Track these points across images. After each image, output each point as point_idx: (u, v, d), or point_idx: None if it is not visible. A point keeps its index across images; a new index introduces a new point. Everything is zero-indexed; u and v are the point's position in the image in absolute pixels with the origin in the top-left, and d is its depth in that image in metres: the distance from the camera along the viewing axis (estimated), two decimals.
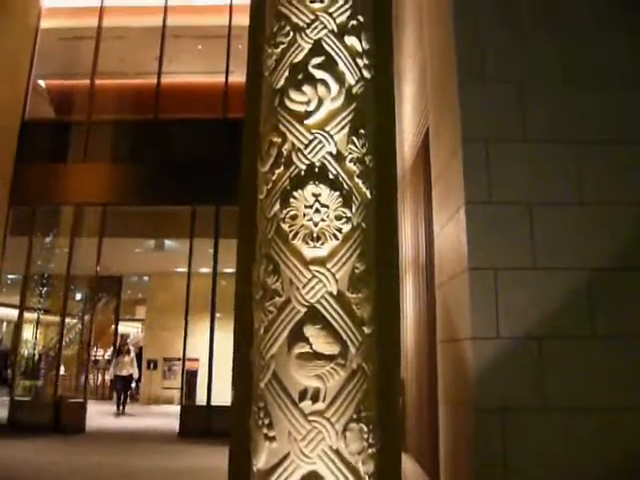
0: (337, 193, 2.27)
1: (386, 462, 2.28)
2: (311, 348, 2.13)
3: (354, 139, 2.38)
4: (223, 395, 9.25)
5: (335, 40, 2.44)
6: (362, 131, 2.42)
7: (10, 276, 14.00)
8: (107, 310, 18.24)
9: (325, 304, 2.18)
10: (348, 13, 2.50)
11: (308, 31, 2.44)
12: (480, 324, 3.56)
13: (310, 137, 2.33)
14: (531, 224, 3.70)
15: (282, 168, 2.33)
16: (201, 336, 11.73)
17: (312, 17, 2.45)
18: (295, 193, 2.27)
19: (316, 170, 2.29)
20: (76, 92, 12.78)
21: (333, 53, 2.43)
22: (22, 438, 9.40)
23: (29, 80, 12.00)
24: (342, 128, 2.36)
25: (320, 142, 2.32)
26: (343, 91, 2.40)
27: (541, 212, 3.72)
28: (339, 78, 2.41)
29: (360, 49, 2.51)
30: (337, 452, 2.08)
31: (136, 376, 15.74)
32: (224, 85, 11.68)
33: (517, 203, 3.74)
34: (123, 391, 14.69)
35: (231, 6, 11.99)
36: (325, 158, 2.31)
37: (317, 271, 2.20)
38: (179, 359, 12.00)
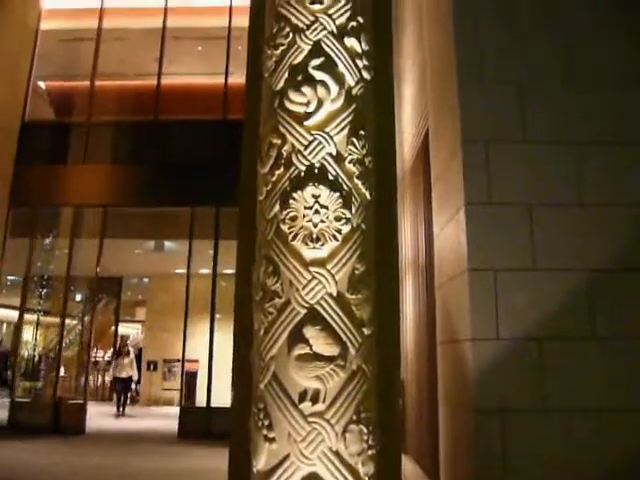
0: (337, 194, 2.27)
1: (386, 463, 2.28)
2: (311, 349, 2.13)
3: (354, 140, 2.38)
4: (223, 396, 9.25)
5: (335, 41, 2.44)
6: (362, 132, 2.42)
7: (10, 277, 14.00)
8: (107, 311, 18.24)
9: (325, 305, 2.18)
10: (348, 14, 2.50)
11: (308, 32, 2.44)
12: (480, 325, 3.56)
13: (310, 138, 2.33)
14: (531, 225, 3.71)
15: (282, 169, 2.33)
16: (201, 337, 11.72)
17: (312, 18, 2.45)
18: (295, 194, 2.27)
19: (316, 171, 2.29)
20: (76, 93, 12.78)
21: (333, 54, 2.43)
22: (22, 439, 9.40)
23: (29, 81, 12.00)
24: (342, 129, 2.36)
25: (320, 143, 2.32)
26: (343, 92, 2.41)
27: (541, 213, 3.73)
28: (339, 79, 2.41)
29: (360, 50, 2.51)
30: (337, 453, 2.08)
31: (136, 378, 15.72)
32: (224, 86, 11.68)
33: (517, 204, 3.75)
34: (123, 393, 14.67)
35: (231, 7, 12.00)
36: (325, 159, 2.31)
37: (317, 272, 2.20)
38: (179, 360, 11.99)
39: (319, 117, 2.35)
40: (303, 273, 2.20)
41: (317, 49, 2.42)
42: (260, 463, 2.15)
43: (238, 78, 11.04)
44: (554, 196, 3.76)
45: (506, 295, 3.59)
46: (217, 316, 11.12)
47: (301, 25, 2.45)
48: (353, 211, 2.30)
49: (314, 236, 2.22)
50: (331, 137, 2.33)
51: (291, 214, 2.26)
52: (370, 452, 2.16)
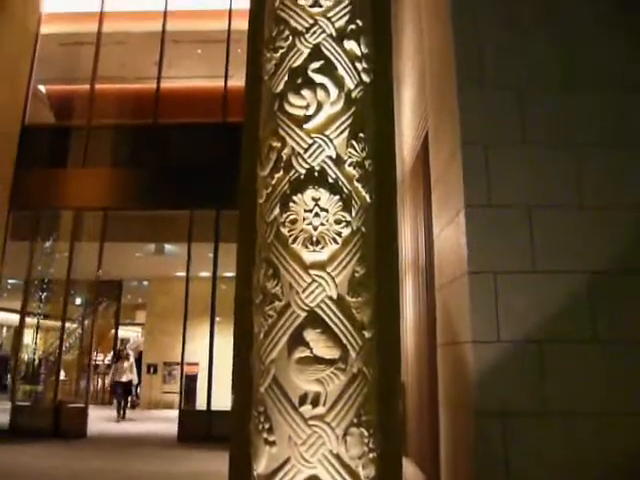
0: (337, 197, 2.27)
1: (387, 466, 2.27)
2: (311, 352, 2.13)
3: (353, 143, 2.38)
4: (223, 399, 9.24)
5: (334, 44, 2.45)
6: (361, 135, 2.42)
7: (10, 281, 14.00)
8: (107, 315, 18.24)
9: (325, 308, 2.17)
10: (347, 17, 2.50)
11: (307, 35, 2.44)
12: (480, 328, 3.56)
13: (309, 141, 2.33)
14: (531, 227, 3.70)
15: (282, 172, 2.33)
16: (201, 340, 11.72)
17: (311, 21, 2.46)
18: (295, 197, 2.27)
19: (316, 174, 2.29)
20: (76, 97, 12.80)
21: (332, 57, 2.43)
22: (22, 443, 9.39)
23: (29, 85, 12.02)
24: (341, 132, 2.36)
25: (319, 146, 2.32)
26: (342, 95, 2.41)
27: (541, 215, 3.72)
28: (338, 82, 2.41)
29: (359, 53, 2.51)
30: (337, 457, 2.08)
31: (135, 382, 15.70)
32: (223, 89, 11.70)
33: (516, 206, 3.74)
34: (123, 397, 14.64)
35: (230, 11, 12.02)
36: (325, 162, 2.31)
37: (317, 275, 2.20)
38: (179, 363, 11.98)
39: (319, 120, 2.35)
40: (303, 276, 2.20)
41: (316, 52, 2.42)
42: (260, 466, 2.14)
43: (238, 81, 11.05)
44: (554, 198, 3.76)
45: (506, 297, 3.59)
46: (217, 319, 11.12)
47: (300, 28, 2.46)
48: (353, 214, 2.30)
49: (314, 239, 2.22)
50: (331, 140, 2.33)
51: (291, 217, 2.26)
52: (371, 455, 2.16)
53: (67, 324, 11.90)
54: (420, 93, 6.14)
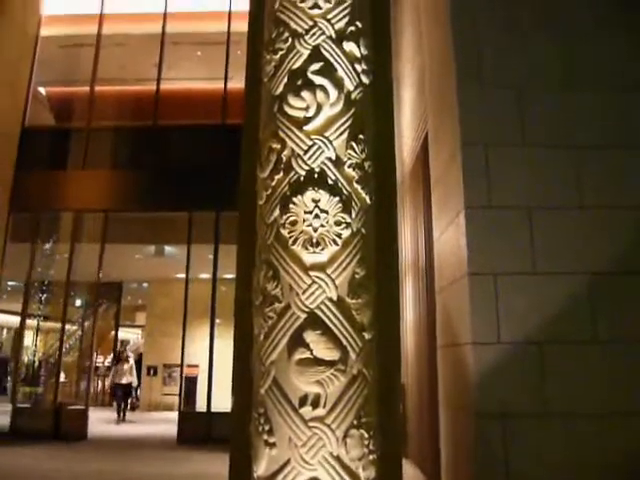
0: (336, 199, 2.27)
1: (387, 468, 2.27)
2: (311, 354, 2.13)
3: (353, 145, 2.38)
4: (223, 401, 9.23)
5: (334, 46, 2.45)
6: (361, 136, 2.42)
7: (10, 283, 14.00)
8: (107, 316, 18.23)
9: (325, 310, 2.17)
10: (346, 19, 2.50)
11: (307, 37, 2.44)
12: (480, 329, 3.56)
13: (309, 143, 2.33)
14: (531, 228, 3.71)
15: (281, 174, 2.33)
16: (201, 342, 11.71)
17: (310, 23, 2.46)
18: (295, 199, 2.27)
19: (315, 176, 2.29)
20: (76, 99, 12.81)
21: (332, 59, 2.43)
22: (23, 445, 9.38)
23: (29, 87, 12.03)
24: (341, 134, 2.37)
25: (319, 148, 2.32)
26: (342, 97, 2.41)
27: (541, 216, 3.73)
28: (338, 84, 2.41)
29: (358, 55, 2.51)
30: (338, 458, 2.08)
31: (135, 384, 15.68)
32: (223, 91, 11.70)
33: (517, 207, 3.75)
34: (123, 399, 14.63)
35: (230, 13, 12.02)
36: (324, 164, 2.31)
37: (317, 277, 2.20)
38: (179, 365, 11.97)
39: (318, 122, 2.35)
40: (303, 277, 2.20)
41: (316, 54, 2.42)
42: (261, 468, 2.14)
43: (237, 83, 11.06)
44: (554, 199, 3.76)
45: (507, 299, 3.59)
46: (217, 321, 11.11)
47: (300, 30, 2.46)
48: (353, 215, 2.30)
49: (314, 240, 2.22)
50: (330, 142, 2.33)
51: (291, 218, 2.26)
52: (371, 457, 2.16)
53: (67, 326, 11.90)
54: (420, 94, 6.14)
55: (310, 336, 2.14)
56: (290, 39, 2.46)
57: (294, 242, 2.23)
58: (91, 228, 11.59)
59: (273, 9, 2.57)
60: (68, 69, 13.01)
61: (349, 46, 2.48)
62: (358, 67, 2.50)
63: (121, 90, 13.09)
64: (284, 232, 2.26)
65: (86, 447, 9.86)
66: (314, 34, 2.44)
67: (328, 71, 2.41)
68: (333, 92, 2.39)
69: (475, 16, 4.11)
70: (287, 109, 2.39)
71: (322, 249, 2.22)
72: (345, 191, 2.30)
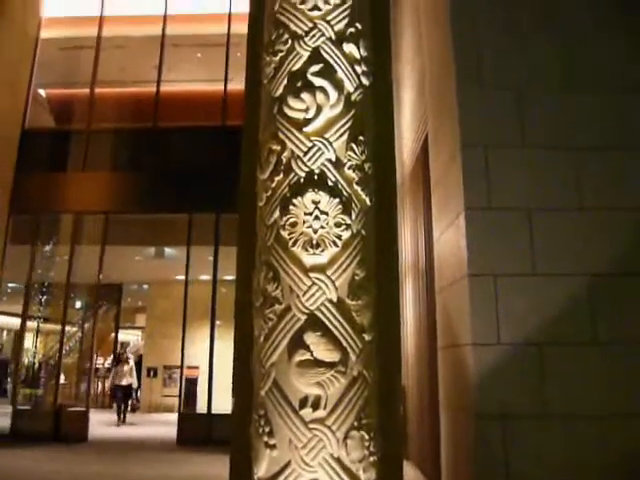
0: (336, 200, 2.27)
1: (387, 470, 2.27)
2: (311, 355, 2.13)
3: (353, 146, 2.38)
4: (223, 403, 9.23)
5: (333, 47, 2.45)
6: (361, 138, 2.42)
7: (10, 285, 13.99)
8: (107, 318, 18.22)
9: (325, 311, 2.17)
10: (346, 21, 2.50)
11: (306, 39, 2.45)
12: (480, 330, 3.56)
13: (309, 144, 2.33)
14: (530, 230, 3.71)
15: (281, 175, 2.34)
16: (201, 344, 11.70)
17: (310, 25, 2.46)
18: (295, 200, 2.27)
19: (315, 177, 2.29)
20: (76, 101, 12.81)
21: (331, 60, 2.43)
22: (23, 447, 9.37)
23: (29, 89, 12.03)
24: (341, 135, 2.37)
25: (319, 149, 2.32)
26: (342, 98, 2.41)
27: (540, 218, 3.73)
28: (338, 85, 2.42)
29: (358, 56, 2.51)
30: (338, 460, 2.08)
31: (135, 385, 15.66)
32: (223, 93, 11.71)
33: (516, 209, 3.75)
34: (123, 400, 14.62)
35: (230, 14, 12.03)
36: (324, 165, 2.31)
37: (317, 278, 2.20)
38: (179, 367, 11.97)
39: (318, 123, 2.36)
40: (303, 279, 2.20)
41: (316, 55, 2.42)
42: (261, 470, 2.14)
43: (237, 84, 11.06)
44: (553, 200, 3.76)
45: (506, 300, 3.59)
46: (217, 322, 11.11)
47: (300, 32, 2.46)
48: (353, 217, 2.30)
49: (314, 242, 2.22)
50: (330, 143, 2.34)
51: (291, 220, 2.26)
52: (372, 458, 2.16)
53: (67, 328, 11.89)
54: (420, 95, 6.15)
55: (310, 338, 2.14)
56: (290, 41, 2.47)
57: (294, 244, 2.24)
58: (91, 230, 11.59)
59: (273, 11, 2.57)
60: (68, 71, 13.02)
61: (349, 48, 2.49)
62: (358, 69, 2.50)
63: (121, 92, 13.09)
64: (284, 234, 2.26)
65: (86, 449, 9.85)
66: (314, 36, 2.45)
67: (328, 73, 2.41)
68: (333, 94, 2.39)
69: (475, 18, 4.12)
70: (287, 111, 2.39)
71: (322, 250, 2.22)
72: (345, 192, 2.30)
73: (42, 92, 13.13)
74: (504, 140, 3.87)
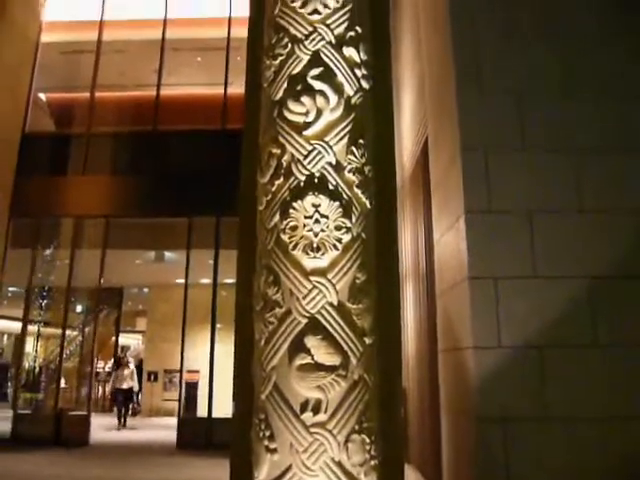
0: (337, 203, 2.28)
1: (389, 473, 2.27)
2: (312, 359, 2.13)
3: (353, 149, 2.38)
4: (224, 407, 9.22)
5: (333, 51, 2.46)
6: (361, 141, 2.43)
7: (11, 289, 13.99)
8: (108, 322, 18.20)
9: (326, 315, 2.17)
10: (346, 24, 2.51)
11: (306, 42, 2.45)
12: (481, 333, 3.55)
13: (309, 148, 2.33)
14: (531, 232, 3.71)
15: (282, 179, 2.34)
16: (202, 347, 11.69)
17: (310, 29, 2.47)
18: (295, 204, 2.27)
19: (315, 181, 2.29)
20: (76, 105, 12.83)
21: (331, 64, 2.44)
22: (24, 451, 9.36)
23: (30, 93, 12.05)
24: (341, 139, 2.37)
25: (319, 153, 2.32)
26: (342, 102, 2.41)
27: (541, 220, 3.73)
28: (338, 89, 2.42)
29: (358, 60, 2.52)
30: (339, 464, 2.07)
31: (136, 389, 15.65)
32: (223, 97, 11.72)
33: (517, 212, 3.75)
34: (124, 404, 14.60)
35: (230, 18, 12.06)
36: (324, 169, 2.31)
37: (317, 282, 2.20)
38: (179, 371, 11.96)
39: (318, 127, 2.36)
40: (304, 283, 2.20)
41: (316, 59, 2.43)
42: (262, 474, 2.14)
43: (237, 88, 11.07)
44: (554, 203, 3.76)
45: (507, 303, 3.58)
46: (218, 326, 11.10)
47: (300, 35, 2.47)
48: (353, 220, 2.30)
49: (314, 245, 2.22)
50: (330, 146, 2.34)
51: (291, 224, 2.26)
52: (373, 462, 2.15)
53: (68, 332, 11.88)
54: (420, 98, 6.15)
55: (311, 341, 2.14)
56: (290, 44, 2.47)
57: (294, 247, 2.24)
58: (91, 234, 11.59)
59: (273, 15, 2.58)
60: (68, 75, 13.04)
61: (349, 51, 2.49)
62: (358, 72, 2.50)
63: (121, 96, 13.11)
64: (284, 237, 2.26)
65: (87, 453, 9.83)
66: (314, 39, 2.45)
67: (328, 76, 2.42)
68: (333, 97, 2.40)
69: (474, 19, 4.12)
70: (287, 114, 2.40)
71: (322, 254, 2.22)
72: (345, 196, 2.31)
73: (42, 96, 13.15)
74: (504, 142, 3.87)
